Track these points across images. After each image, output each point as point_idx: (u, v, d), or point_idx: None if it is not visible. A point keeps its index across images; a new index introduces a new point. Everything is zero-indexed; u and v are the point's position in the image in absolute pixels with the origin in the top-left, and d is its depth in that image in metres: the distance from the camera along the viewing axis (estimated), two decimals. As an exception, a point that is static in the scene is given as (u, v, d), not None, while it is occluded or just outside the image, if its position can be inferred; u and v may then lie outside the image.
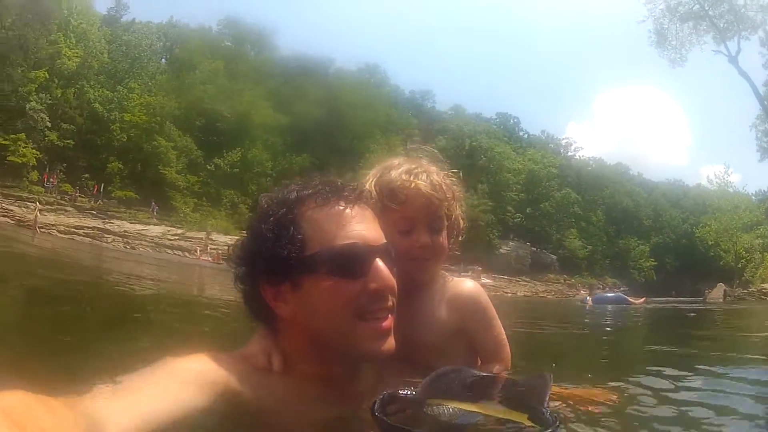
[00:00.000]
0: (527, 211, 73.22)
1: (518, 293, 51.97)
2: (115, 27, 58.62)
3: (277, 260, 1.42)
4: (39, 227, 32.17)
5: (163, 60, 62.87)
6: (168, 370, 1.26)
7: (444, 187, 1.89)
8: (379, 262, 1.45)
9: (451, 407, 1.31)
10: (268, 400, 1.37)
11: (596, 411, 1.85)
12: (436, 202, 1.85)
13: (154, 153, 51.04)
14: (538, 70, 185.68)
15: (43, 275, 9.30)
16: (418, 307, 1.86)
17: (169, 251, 37.60)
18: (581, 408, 1.84)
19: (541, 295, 53.71)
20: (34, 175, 44.57)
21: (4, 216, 34.56)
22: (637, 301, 27.18)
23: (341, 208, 1.47)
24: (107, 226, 40.05)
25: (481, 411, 1.29)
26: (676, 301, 39.56)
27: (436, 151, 2.02)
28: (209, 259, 34.07)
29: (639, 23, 43.45)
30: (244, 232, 1.57)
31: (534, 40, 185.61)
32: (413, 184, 1.83)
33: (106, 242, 36.72)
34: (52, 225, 36.75)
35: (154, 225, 42.53)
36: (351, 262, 1.42)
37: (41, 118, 46.36)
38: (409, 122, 69.75)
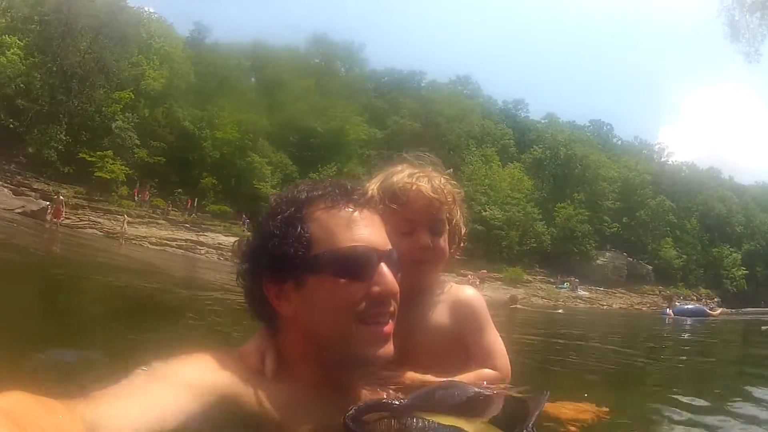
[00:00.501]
0: (623, 221, 69.76)
1: (613, 305, 50.46)
2: (199, 48, 60.57)
3: (282, 258, 1.42)
4: (127, 238, 33.94)
5: (253, 79, 63.79)
6: (166, 373, 1.26)
7: (445, 191, 1.91)
8: (384, 267, 1.46)
9: (428, 421, 1.31)
10: (263, 403, 1.36)
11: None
12: (437, 204, 1.88)
13: (248, 168, 51.70)
14: (627, 73, 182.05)
15: (127, 280, 9.36)
16: (417, 312, 1.85)
17: None
18: (572, 427, 1.89)
19: (636, 307, 51.67)
20: (124, 190, 45.62)
21: (92, 228, 35.43)
22: (714, 313, 27.44)
23: (350, 211, 1.48)
24: (201, 239, 40.71)
25: (459, 427, 1.29)
26: (759, 311, 36.58)
27: (437, 159, 2.03)
28: None
29: (717, 17, 40.90)
30: (253, 229, 1.58)
31: (622, 43, 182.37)
32: (415, 186, 1.86)
33: (200, 254, 37.23)
34: (144, 237, 37.40)
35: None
36: (356, 265, 1.42)
37: (129, 136, 47.30)
38: (503, 133, 68.30)
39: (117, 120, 47.36)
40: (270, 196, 1.61)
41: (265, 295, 1.47)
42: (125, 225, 35.80)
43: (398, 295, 1.50)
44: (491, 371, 1.82)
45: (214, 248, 38.61)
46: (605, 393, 3.42)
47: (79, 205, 41.38)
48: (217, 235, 41.81)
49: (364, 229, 1.47)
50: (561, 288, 52.94)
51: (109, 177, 44.49)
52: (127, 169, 45.86)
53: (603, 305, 47.88)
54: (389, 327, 1.47)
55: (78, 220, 37.75)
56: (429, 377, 1.73)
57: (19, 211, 30.03)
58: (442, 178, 1.95)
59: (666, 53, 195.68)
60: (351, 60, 67.52)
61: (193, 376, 1.27)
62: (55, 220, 30.18)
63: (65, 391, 1.07)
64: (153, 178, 48.07)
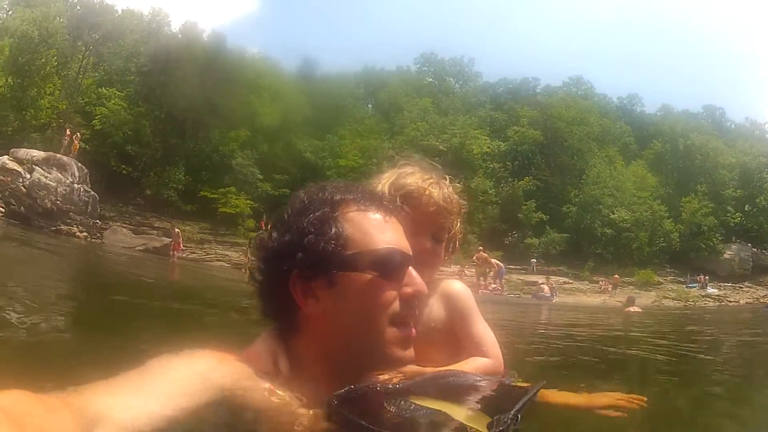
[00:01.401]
0: (745, 209, 64.62)
1: (740, 301, 47.12)
2: (310, 81, 61.18)
3: (316, 254, 1.44)
4: (221, 263, 36.08)
5: (369, 105, 64.84)
6: (170, 369, 1.27)
7: (453, 201, 2.01)
8: (412, 270, 1.53)
9: (414, 404, 1.38)
10: (270, 406, 1.37)
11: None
12: (444, 213, 1.98)
13: None
14: (733, 51, 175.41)
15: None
16: None
17: None
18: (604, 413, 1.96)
19: (761, 300, 47.35)
20: (250, 223, 45.99)
21: (219, 261, 37.13)
22: None
23: (381, 215, 1.53)
24: None
25: (445, 411, 1.36)
26: None
27: (438, 165, 2.13)
28: None
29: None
30: (275, 226, 1.57)
31: (725, 19, 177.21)
32: (427, 192, 1.96)
33: None
34: None
35: None
36: (392, 266, 1.47)
37: (251, 171, 48.96)
38: (622, 130, 65.57)
39: (236, 157, 49.07)
40: (298, 193, 1.59)
41: (287, 293, 1.46)
42: (249, 254, 35.96)
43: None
44: (484, 359, 1.88)
45: None
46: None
47: (205, 239, 43.57)
48: None
49: (395, 234, 1.51)
50: (691, 287, 49.83)
51: (234, 212, 45.92)
52: (251, 202, 46.61)
53: (731, 302, 45.45)
54: (414, 331, 1.50)
55: (205, 254, 39.29)
56: (428, 369, 1.75)
57: (140, 248, 31.17)
58: (451, 187, 2.03)
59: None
60: (463, 75, 67.45)
61: (201, 371, 1.26)
62: (173, 252, 31.08)
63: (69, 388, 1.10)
64: (280, 209, 48.38)
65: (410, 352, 1.50)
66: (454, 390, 1.55)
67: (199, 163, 49.05)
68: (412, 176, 2.00)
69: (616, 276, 44.11)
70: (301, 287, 1.44)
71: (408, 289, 1.49)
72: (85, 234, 32.96)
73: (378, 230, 1.49)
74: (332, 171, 50.81)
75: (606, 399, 2.02)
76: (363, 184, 1.72)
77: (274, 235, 1.52)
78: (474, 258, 31.67)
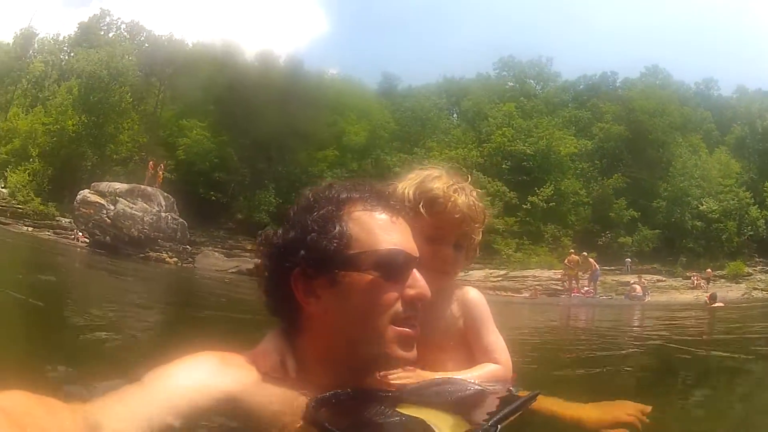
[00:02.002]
0: None
1: None
2: (392, 96, 63.73)
3: (318, 253, 1.46)
4: None
5: (454, 115, 65.32)
6: (172, 376, 1.30)
7: (478, 210, 1.99)
8: (417, 272, 1.54)
9: (394, 411, 1.38)
10: (272, 409, 1.39)
11: None
12: (469, 221, 1.96)
13: None
14: None
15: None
16: (430, 316, 1.82)
17: (490, 292, 35.46)
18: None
19: None
20: None
21: None
22: None
23: (387, 216, 1.55)
24: None
25: (427, 419, 1.35)
26: None
27: (465, 172, 2.14)
28: (526, 295, 34.73)
29: None
30: (281, 223, 1.60)
31: None
32: (453, 198, 1.93)
33: None
34: None
35: (478, 269, 41.29)
36: (395, 267, 1.49)
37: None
38: (703, 117, 64.07)
39: (326, 177, 49.39)
40: (305, 192, 1.60)
41: (290, 291, 1.47)
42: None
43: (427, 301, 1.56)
44: (493, 365, 1.90)
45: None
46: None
47: None
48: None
49: (401, 235, 1.53)
50: (781, 277, 48.70)
51: None
52: None
53: (817, 290, 43.70)
54: (417, 331, 1.51)
55: None
56: (435, 375, 1.75)
57: (233, 270, 31.82)
58: (475, 194, 2.00)
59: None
60: (543, 76, 67.26)
61: (202, 375, 1.29)
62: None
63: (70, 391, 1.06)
64: None
65: (412, 353, 1.50)
66: (447, 397, 1.54)
67: (288, 185, 50.29)
68: (438, 180, 1.97)
69: (709, 270, 43.60)
70: (303, 285, 1.46)
71: (411, 291, 1.49)
72: (176, 259, 33.99)
73: (383, 230, 1.50)
74: None
75: (616, 412, 1.86)
76: (374, 183, 1.68)
77: (279, 232, 1.54)
78: (565, 261, 32.38)
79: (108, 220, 31.48)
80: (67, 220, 40.86)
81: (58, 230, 41.32)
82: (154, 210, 33.75)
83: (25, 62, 66.58)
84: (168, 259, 33.19)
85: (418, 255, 1.56)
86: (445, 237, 1.92)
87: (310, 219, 1.49)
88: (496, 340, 1.99)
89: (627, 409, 1.84)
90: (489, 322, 2.01)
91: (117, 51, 56.64)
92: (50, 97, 59.18)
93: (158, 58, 56.46)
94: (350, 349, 1.48)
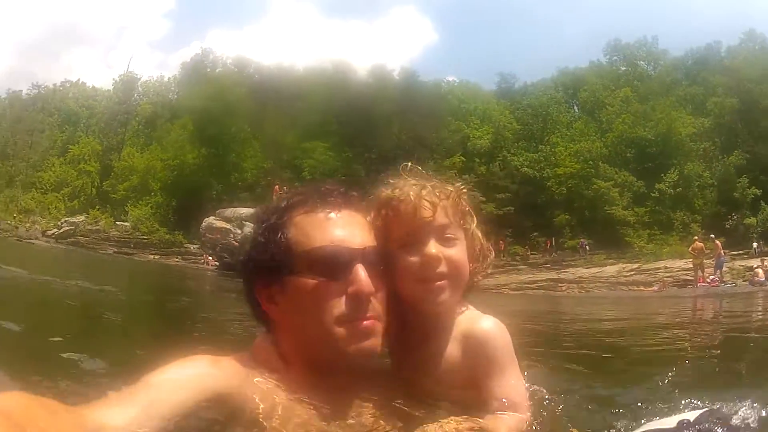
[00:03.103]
0: None
1: None
2: (510, 96, 66.36)
3: (265, 263, 1.60)
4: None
5: (574, 107, 68.10)
6: (166, 379, 1.38)
7: (445, 193, 1.81)
8: (360, 267, 1.57)
9: None
10: (262, 406, 1.48)
11: None
12: (437, 206, 1.77)
13: (596, 196, 54.23)
14: None
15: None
16: (430, 344, 1.79)
17: (624, 288, 38.30)
18: None
19: None
20: None
21: None
22: None
23: (326, 212, 1.63)
24: (561, 276, 43.16)
25: None
26: None
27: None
28: (655, 288, 34.08)
29: None
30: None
31: None
32: (409, 189, 1.79)
33: (561, 290, 39.62)
34: (504, 285, 40.57)
35: (611, 265, 44.15)
36: (327, 264, 1.55)
37: (472, 195, 50.79)
38: None
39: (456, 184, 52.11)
40: (257, 208, 1.78)
41: (258, 300, 1.67)
42: None
43: (380, 296, 1.63)
44: (516, 415, 1.70)
45: (575, 283, 40.59)
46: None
47: None
48: (578, 269, 44.39)
49: (339, 229, 1.61)
50: None
51: None
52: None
53: None
54: (370, 322, 1.59)
55: None
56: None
57: None
58: (446, 185, 1.87)
59: None
60: (653, 56, 67.84)
61: (197, 377, 1.40)
62: None
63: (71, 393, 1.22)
64: (507, 229, 52.01)
65: (368, 343, 1.58)
66: None
67: None
68: (401, 183, 1.84)
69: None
70: (264, 294, 1.65)
71: (351, 289, 1.56)
72: None
73: (318, 229, 1.61)
74: (551, 181, 56.15)
75: None
76: (327, 184, 1.75)
77: (245, 247, 1.74)
78: (689, 249, 31.76)
79: (236, 243, 34.11)
80: (195, 246, 46.04)
81: (186, 256, 46.95)
82: (282, 231, 37.76)
83: (132, 105, 74.39)
84: None
85: (365, 245, 1.63)
86: (421, 236, 1.74)
87: (260, 231, 1.67)
88: (512, 390, 1.72)
89: None
90: (506, 367, 1.73)
91: (226, 85, 62.54)
92: (164, 135, 65.67)
93: (271, 87, 61.52)
94: (308, 350, 1.61)
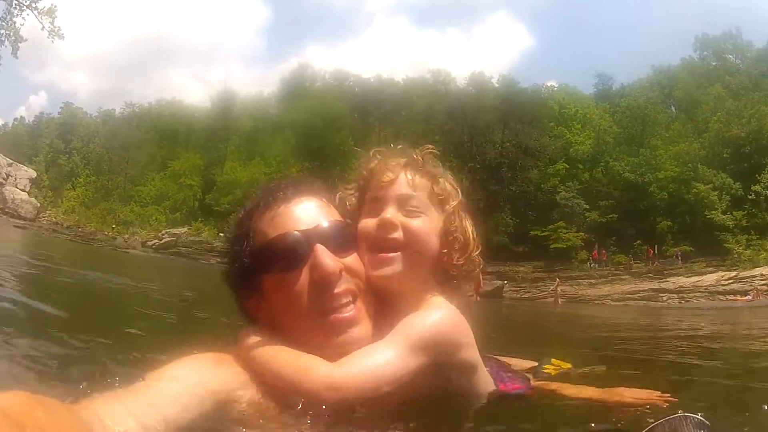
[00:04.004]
0: None
1: None
2: (609, 98, 68.64)
3: (240, 272, 1.78)
4: (560, 298, 43.30)
5: (672, 108, 68.48)
6: (167, 375, 1.47)
7: (422, 169, 1.88)
8: (319, 247, 1.68)
9: None
10: (262, 402, 1.57)
11: None
12: (399, 174, 1.84)
13: (696, 200, 54.82)
14: None
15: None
16: (378, 330, 1.77)
17: (722, 297, 40.03)
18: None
19: None
20: (583, 255, 54.74)
21: (551, 297, 44.74)
22: None
23: (277, 208, 1.77)
24: (662, 285, 45.49)
25: None
26: None
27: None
28: (748, 297, 35.32)
29: None
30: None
31: None
32: (381, 158, 1.91)
33: (661, 301, 42.14)
34: (606, 295, 44.61)
35: (710, 273, 45.66)
36: (286, 252, 1.69)
37: (576, 203, 56.46)
38: None
39: (560, 192, 56.72)
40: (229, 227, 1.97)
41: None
42: (558, 288, 45.50)
43: (355, 266, 1.74)
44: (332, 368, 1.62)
45: (675, 293, 43.26)
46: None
47: (539, 278, 51.95)
48: (678, 278, 46.04)
49: (288, 218, 1.74)
50: None
51: (565, 246, 54.26)
52: (582, 234, 54.84)
53: None
54: (352, 312, 1.68)
55: (539, 291, 48.08)
56: None
57: (469, 294, 38.58)
58: (427, 162, 1.91)
59: None
60: (740, 49, 67.98)
61: (195, 381, 1.47)
62: (476, 290, 38.69)
63: (70, 392, 1.33)
64: (610, 236, 56.04)
65: (346, 336, 1.65)
66: None
67: (524, 204, 56.28)
68: (381, 155, 1.93)
69: None
70: (250, 305, 1.81)
71: (314, 275, 1.65)
72: None
73: (271, 225, 1.74)
74: (653, 186, 57.30)
75: (630, 395, 1.95)
76: (271, 183, 1.91)
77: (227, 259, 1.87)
78: None
79: None
80: None
81: None
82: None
83: (231, 121, 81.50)
84: None
85: (319, 223, 1.72)
86: (383, 204, 1.81)
87: (233, 241, 1.82)
88: (380, 352, 1.64)
89: (633, 393, 1.96)
90: (403, 337, 1.67)
91: (327, 99, 68.58)
92: (266, 149, 72.29)
93: (371, 99, 66.65)
94: (293, 344, 1.66)
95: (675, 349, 7.62)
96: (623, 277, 50.05)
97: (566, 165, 59.47)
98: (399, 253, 1.76)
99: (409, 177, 1.83)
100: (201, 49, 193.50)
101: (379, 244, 1.77)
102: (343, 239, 1.74)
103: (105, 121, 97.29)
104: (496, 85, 65.93)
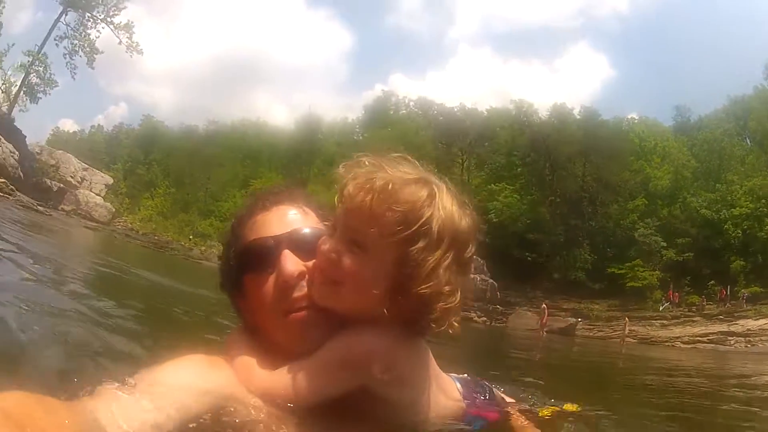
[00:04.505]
0: None
1: None
2: (687, 131, 70.20)
3: (229, 277, 1.93)
4: (626, 340, 43.95)
5: (747, 140, 69.37)
6: (165, 376, 1.54)
7: (392, 195, 1.59)
8: (285, 252, 1.75)
9: None
10: (258, 406, 1.62)
11: None
12: (365, 204, 1.60)
13: None
14: None
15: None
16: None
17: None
18: None
19: None
20: (658, 294, 55.62)
21: (628, 337, 45.44)
22: None
23: (258, 215, 1.89)
24: (731, 328, 46.05)
25: None
26: None
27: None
28: None
29: None
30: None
31: None
32: (352, 174, 1.68)
33: (729, 345, 43.05)
34: (676, 337, 45.98)
35: (757, 318, 46.47)
36: (251, 257, 1.81)
37: (654, 240, 58.05)
38: None
39: (638, 228, 59.16)
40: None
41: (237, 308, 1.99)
42: (626, 328, 46.28)
43: (315, 275, 1.71)
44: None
45: (742, 336, 44.32)
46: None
47: (613, 317, 52.33)
48: (747, 320, 46.64)
49: (264, 225, 1.84)
50: None
51: (641, 285, 55.16)
52: (658, 273, 56.03)
53: None
54: (308, 314, 1.69)
55: (611, 330, 48.51)
56: None
57: (546, 329, 39.03)
58: (401, 178, 1.62)
59: None
60: None
61: (191, 382, 1.52)
62: (542, 326, 39.45)
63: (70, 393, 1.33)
64: (685, 275, 57.38)
65: (307, 335, 1.68)
66: None
67: (603, 240, 58.89)
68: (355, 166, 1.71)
69: None
70: (235, 297, 1.93)
71: (279, 278, 1.72)
72: (484, 319, 41.32)
73: (251, 230, 1.85)
74: (728, 223, 57.88)
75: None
76: (258, 193, 2.06)
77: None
78: None
79: None
80: None
81: None
82: (462, 272, 43.99)
83: (315, 145, 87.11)
84: (476, 318, 40.30)
85: (288, 229, 1.78)
86: (333, 227, 1.71)
87: (224, 247, 1.97)
88: (305, 369, 1.66)
89: None
90: (326, 359, 1.66)
91: (410, 127, 72.69)
92: None
93: (456, 129, 68.81)
94: (266, 342, 1.77)
95: (732, 397, 8.02)
96: (695, 318, 50.55)
97: (645, 200, 60.68)
98: (336, 288, 1.66)
99: (370, 206, 1.58)
100: (286, 72, 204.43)
101: (323, 273, 1.69)
102: (315, 245, 1.74)
103: (187, 135, 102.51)
104: (578, 117, 67.59)
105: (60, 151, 68.68)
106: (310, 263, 1.73)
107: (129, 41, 63.52)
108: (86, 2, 61.26)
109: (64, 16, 61.99)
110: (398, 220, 1.58)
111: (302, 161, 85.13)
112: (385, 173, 1.62)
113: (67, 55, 62.82)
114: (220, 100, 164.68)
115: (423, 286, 1.60)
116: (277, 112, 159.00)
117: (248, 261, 1.79)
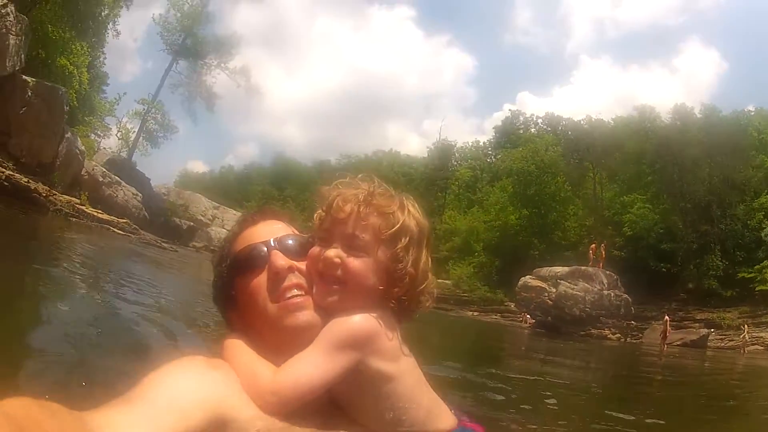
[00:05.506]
0: None
1: None
2: None
3: (221, 290, 2.14)
4: (750, 348, 43.88)
5: None
6: (165, 380, 1.63)
7: (374, 205, 1.98)
8: (274, 252, 2.02)
9: None
10: (255, 413, 1.73)
11: None
12: (356, 214, 1.96)
13: None
14: None
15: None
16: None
17: None
18: None
19: None
20: None
21: (753, 344, 45.40)
22: None
23: (245, 230, 2.16)
24: None
25: None
26: None
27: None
28: None
29: None
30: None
31: None
32: (337, 192, 2.02)
33: None
34: None
35: None
36: (246, 260, 2.03)
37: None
38: None
39: (764, 228, 58.96)
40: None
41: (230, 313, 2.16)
42: (746, 335, 45.86)
43: (302, 273, 1.97)
44: (272, 378, 1.83)
45: None
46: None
47: (745, 324, 50.94)
48: None
49: (251, 236, 2.10)
50: None
51: None
52: None
53: None
54: (301, 299, 1.93)
55: (740, 340, 48.19)
56: None
57: (678, 343, 39.82)
58: (385, 196, 2.01)
59: None
60: None
61: (194, 384, 1.63)
62: (663, 340, 40.65)
63: (71, 400, 1.35)
64: None
65: (301, 317, 1.90)
66: None
67: (734, 244, 59.08)
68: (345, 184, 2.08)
69: None
70: (226, 308, 2.13)
71: (269, 272, 1.97)
72: (618, 335, 41.19)
73: (240, 241, 2.10)
74: None
75: None
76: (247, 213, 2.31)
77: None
78: None
79: (549, 302, 40.57)
80: (513, 304, 54.43)
81: (505, 314, 57.02)
82: (596, 289, 41.88)
83: (450, 171, 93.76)
84: (610, 335, 40.26)
85: (277, 235, 2.06)
86: (331, 238, 1.98)
87: (214, 266, 2.18)
88: (303, 357, 1.86)
89: None
90: (320, 344, 1.88)
91: (539, 145, 76.81)
92: (485, 198, 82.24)
93: (583, 143, 71.18)
94: (259, 343, 1.94)
95: None
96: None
97: (770, 199, 62.17)
98: (339, 287, 1.94)
99: (360, 214, 1.96)
100: (414, 101, 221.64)
101: (324, 276, 1.96)
102: (300, 249, 2.04)
103: (321, 170, 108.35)
104: (698, 116, 68.38)
105: (189, 192, 75.33)
106: (299, 263, 2.02)
107: (247, 83, 71.63)
108: (196, 51, 69.13)
109: (175, 64, 70.11)
110: (384, 224, 1.99)
111: (438, 187, 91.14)
112: (362, 189, 2.03)
113: (186, 102, 71.25)
114: (349, 133, 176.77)
115: (414, 274, 2.01)
116: (409, 141, 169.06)
117: (240, 264, 2.06)
